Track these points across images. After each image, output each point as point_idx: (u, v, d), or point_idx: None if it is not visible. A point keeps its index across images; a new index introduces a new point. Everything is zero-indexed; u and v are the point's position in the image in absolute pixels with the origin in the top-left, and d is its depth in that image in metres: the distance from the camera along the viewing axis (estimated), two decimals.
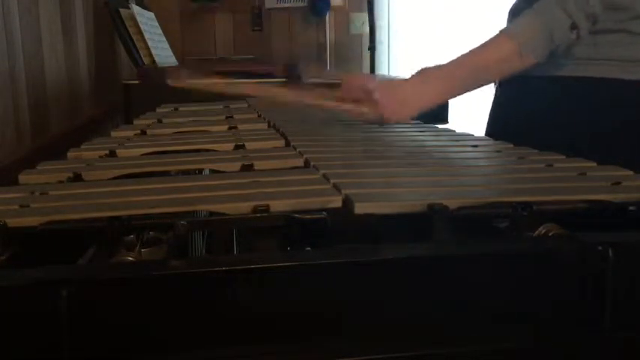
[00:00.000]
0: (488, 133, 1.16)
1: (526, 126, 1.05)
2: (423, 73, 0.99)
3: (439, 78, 0.99)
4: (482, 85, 1.00)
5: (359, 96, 0.99)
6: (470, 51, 0.98)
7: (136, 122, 1.13)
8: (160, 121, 1.12)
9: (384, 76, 1.16)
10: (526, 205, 0.52)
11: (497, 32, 0.97)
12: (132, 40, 2.01)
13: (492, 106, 1.20)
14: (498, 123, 1.17)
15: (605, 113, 1.00)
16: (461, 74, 0.99)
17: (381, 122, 0.99)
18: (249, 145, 0.82)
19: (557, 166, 0.70)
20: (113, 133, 0.98)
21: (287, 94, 1.10)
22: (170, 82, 1.18)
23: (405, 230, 0.54)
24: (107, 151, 0.80)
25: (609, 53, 0.99)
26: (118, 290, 0.40)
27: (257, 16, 3.06)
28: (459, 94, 1.02)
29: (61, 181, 0.66)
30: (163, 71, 1.94)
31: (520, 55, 0.94)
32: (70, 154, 0.81)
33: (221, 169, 0.69)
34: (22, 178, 0.67)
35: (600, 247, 0.44)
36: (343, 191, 0.55)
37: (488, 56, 0.98)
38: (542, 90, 1.05)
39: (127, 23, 2.03)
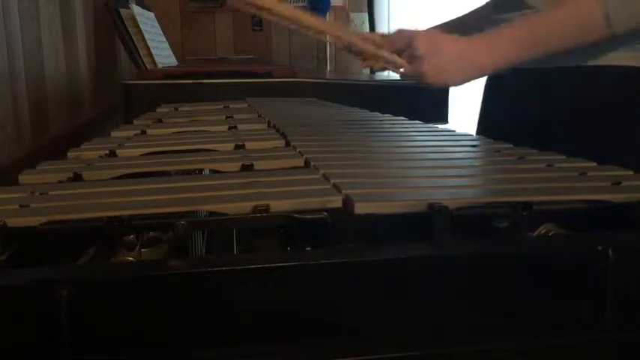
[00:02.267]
0: (479, 131, 1.13)
1: (514, 122, 0.99)
2: (488, 33, 0.86)
3: (508, 39, 0.85)
4: (557, 52, 0.86)
5: (400, 47, 0.86)
6: (550, 10, 0.85)
7: (136, 122, 1.13)
8: (159, 121, 1.12)
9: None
10: (526, 205, 0.52)
11: None
12: (132, 40, 2.01)
13: (482, 103, 1.17)
14: (487, 120, 1.15)
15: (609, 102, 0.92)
16: (531, 38, 0.84)
17: (422, 83, 0.86)
18: (249, 145, 0.82)
19: (557, 166, 0.70)
20: (113, 133, 0.98)
21: (327, 28, 0.95)
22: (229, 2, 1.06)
23: (405, 230, 0.54)
24: (107, 151, 0.80)
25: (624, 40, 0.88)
26: (118, 290, 0.40)
27: (257, 16, 3.06)
28: (525, 59, 0.87)
29: (61, 181, 0.66)
30: None
31: (606, 20, 0.81)
32: (70, 154, 0.81)
33: (221, 169, 0.69)
34: (22, 178, 0.67)
35: (600, 247, 0.44)
36: (343, 191, 0.55)
37: (565, 19, 0.84)
38: (529, 82, 0.99)
39: (127, 23, 2.03)
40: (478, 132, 1.15)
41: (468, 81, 0.85)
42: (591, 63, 0.93)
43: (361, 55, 0.91)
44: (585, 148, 0.73)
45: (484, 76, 0.87)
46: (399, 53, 0.86)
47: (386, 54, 0.86)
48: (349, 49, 0.92)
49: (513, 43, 0.85)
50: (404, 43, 0.85)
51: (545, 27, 0.85)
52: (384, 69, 0.95)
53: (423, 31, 0.88)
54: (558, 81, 0.96)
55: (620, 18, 0.82)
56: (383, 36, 0.95)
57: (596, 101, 0.94)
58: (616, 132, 0.93)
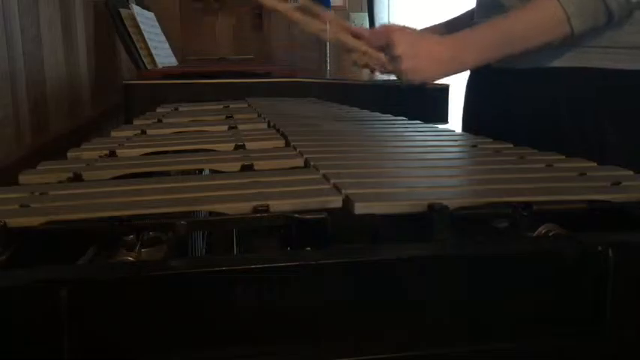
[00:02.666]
0: (464, 128, 1.15)
1: (497, 119, 1.02)
2: (459, 34, 0.91)
3: (477, 40, 0.91)
4: (522, 51, 0.91)
5: (381, 43, 0.90)
6: (514, 12, 0.90)
7: (136, 122, 1.13)
8: (159, 121, 1.12)
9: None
10: (526, 205, 0.52)
11: None
12: (132, 40, 2.01)
13: (464, 101, 1.18)
14: (471, 117, 1.16)
15: (587, 104, 0.95)
16: (494, 39, 0.90)
17: (402, 80, 0.90)
18: (249, 145, 0.82)
19: (557, 166, 0.70)
20: (113, 133, 0.98)
21: (310, 23, 0.98)
22: None
23: (405, 230, 0.54)
24: (107, 151, 0.80)
25: (592, 40, 0.93)
26: (118, 290, 0.40)
27: (257, 16, 3.06)
28: (495, 59, 0.93)
29: (61, 181, 0.66)
30: None
31: (567, 22, 0.86)
32: (70, 154, 0.81)
33: (221, 169, 0.69)
34: (22, 178, 0.67)
35: (600, 247, 0.44)
36: (343, 191, 0.55)
37: (529, 20, 0.89)
38: (510, 82, 1.01)
39: (127, 23, 2.03)
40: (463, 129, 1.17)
41: (441, 78, 0.91)
42: (562, 64, 0.96)
43: (345, 48, 0.95)
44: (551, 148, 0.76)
45: (456, 73, 0.91)
46: (381, 50, 0.90)
47: (369, 49, 0.91)
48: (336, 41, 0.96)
49: (479, 44, 0.90)
50: (384, 40, 0.89)
51: (509, 28, 0.90)
52: (366, 66, 0.99)
53: (401, 29, 0.91)
54: (520, 82, 1.00)
55: (579, 18, 0.86)
56: (367, 31, 0.98)
57: (559, 102, 0.98)
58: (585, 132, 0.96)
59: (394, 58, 0.88)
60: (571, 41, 0.90)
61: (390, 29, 0.90)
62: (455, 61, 0.90)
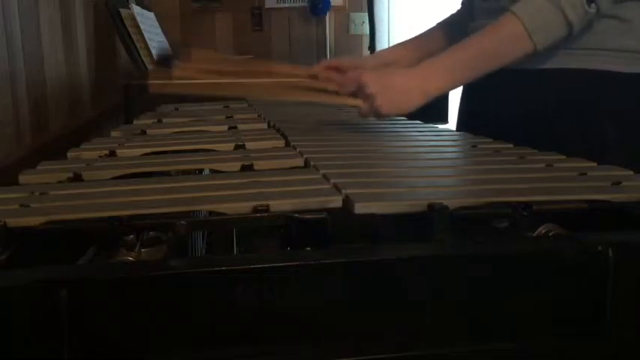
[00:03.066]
0: (458, 128, 1.16)
1: (493, 119, 1.03)
2: (424, 63, 0.94)
3: (440, 67, 0.94)
4: (488, 71, 0.94)
5: (352, 89, 0.94)
6: (475, 34, 0.94)
7: (136, 122, 1.13)
8: (159, 121, 1.12)
9: (375, 59, 1.17)
10: (526, 205, 0.52)
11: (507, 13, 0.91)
12: (132, 40, 2.01)
13: (460, 101, 1.20)
14: (466, 117, 1.17)
15: (589, 107, 0.96)
16: (464, 61, 0.93)
17: (379, 117, 0.94)
18: (249, 145, 0.82)
19: (557, 166, 0.70)
20: (113, 133, 0.98)
21: (280, 92, 1.07)
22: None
23: (405, 230, 0.54)
24: (107, 151, 0.80)
25: (594, 42, 0.94)
26: (118, 290, 0.40)
27: (257, 16, 3.06)
28: (463, 82, 0.97)
29: (61, 181, 0.66)
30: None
31: (529, 39, 0.89)
32: (70, 154, 0.81)
33: (221, 169, 0.69)
34: (22, 178, 0.67)
35: (600, 247, 0.44)
36: (343, 191, 0.55)
37: (494, 39, 0.92)
38: (511, 83, 1.01)
39: (127, 23, 2.03)
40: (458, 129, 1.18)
41: (417, 107, 0.93)
42: (544, 66, 0.97)
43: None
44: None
45: (429, 100, 0.93)
46: (353, 94, 0.95)
47: (346, 99, 0.96)
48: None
49: (447, 70, 0.94)
50: (355, 84, 0.93)
51: (474, 50, 0.94)
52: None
53: (369, 71, 0.97)
54: (514, 82, 1.00)
55: (539, 33, 0.89)
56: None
57: (549, 103, 0.98)
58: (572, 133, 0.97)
59: (367, 97, 0.91)
60: (532, 57, 0.93)
61: (359, 73, 0.95)
62: (425, 89, 0.93)
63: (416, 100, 0.92)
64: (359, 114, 0.94)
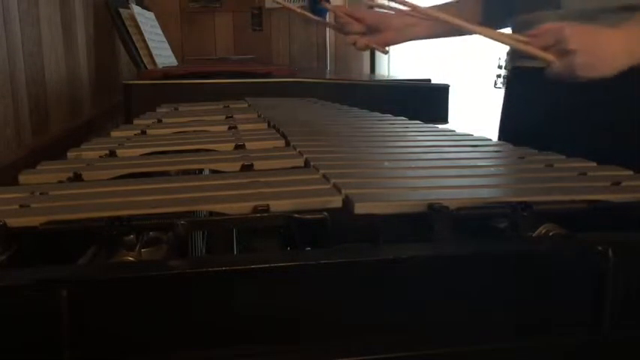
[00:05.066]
0: (501, 137, 1.13)
1: (539, 124, 1.00)
2: (628, 24, 0.87)
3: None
4: None
5: (548, 42, 0.85)
6: None
7: (136, 122, 1.13)
8: (159, 121, 1.12)
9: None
10: (526, 205, 0.52)
11: None
12: (132, 40, 2.01)
13: (503, 108, 1.17)
14: (510, 123, 1.14)
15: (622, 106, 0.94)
16: None
17: (573, 77, 0.85)
18: (249, 145, 0.82)
19: (557, 166, 0.70)
20: (113, 133, 0.98)
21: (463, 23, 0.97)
22: None
23: (405, 230, 0.54)
24: (107, 151, 0.80)
25: None
26: (118, 290, 0.40)
27: (257, 16, 3.06)
28: None
29: (61, 181, 0.66)
30: None
31: None
32: (70, 154, 0.81)
33: (221, 169, 0.69)
34: (22, 178, 0.67)
35: (600, 247, 0.44)
36: (343, 191, 0.55)
37: None
38: (554, 85, 1.01)
39: (127, 23, 2.03)
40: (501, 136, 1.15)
41: (618, 71, 0.86)
42: None
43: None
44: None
45: (633, 64, 0.86)
46: (546, 49, 0.86)
47: (536, 50, 0.86)
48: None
49: None
50: (552, 38, 0.85)
51: None
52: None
53: (570, 24, 0.87)
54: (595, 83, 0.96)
55: None
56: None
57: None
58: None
59: (566, 53, 0.83)
60: None
61: (560, 25, 0.86)
62: (630, 51, 0.86)
63: (620, 63, 0.86)
64: (548, 72, 0.86)
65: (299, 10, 1.20)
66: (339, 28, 1.15)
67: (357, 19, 1.12)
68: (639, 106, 0.96)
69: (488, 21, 1.10)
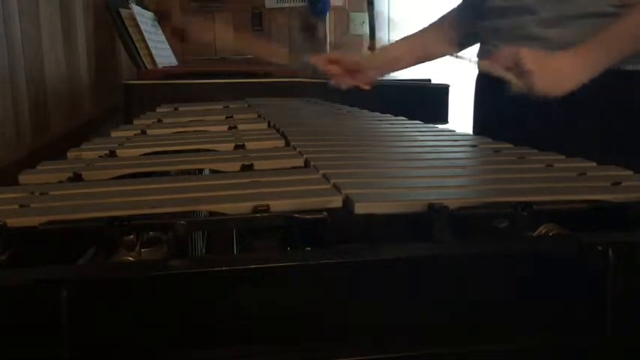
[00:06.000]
0: (475, 131, 1.17)
1: (505, 120, 1.05)
2: (578, 48, 0.96)
3: (594, 52, 0.96)
4: (632, 54, 0.97)
5: (508, 64, 0.94)
6: (622, 20, 0.96)
7: (136, 122, 1.13)
8: (160, 121, 1.12)
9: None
10: (526, 205, 0.52)
11: None
12: (132, 40, 2.01)
13: (474, 103, 1.23)
14: (480, 119, 1.20)
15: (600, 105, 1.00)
16: (615, 46, 0.96)
17: (532, 94, 0.93)
18: (249, 145, 0.82)
19: (557, 166, 0.70)
20: (113, 133, 0.98)
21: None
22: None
23: (405, 230, 0.54)
24: (107, 151, 0.80)
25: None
26: (118, 290, 0.40)
27: (257, 16, 3.06)
28: (609, 65, 0.98)
29: (61, 181, 0.66)
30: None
31: None
32: (70, 154, 0.81)
33: (221, 169, 0.69)
34: (22, 178, 0.67)
35: (600, 247, 0.44)
36: (343, 191, 0.55)
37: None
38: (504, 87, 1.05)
39: (127, 23, 2.03)
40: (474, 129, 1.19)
41: (567, 91, 0.95)
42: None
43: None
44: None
45: (579, 85, 0.95)
46: (508, 69, 0.95)
47: (500, 70, 0.95)
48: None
49: (603, 53, 0.96)
50: (511, 59, 0.93)
51: (626, 37, 0.96)
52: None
53: (526, 48, 0.96)
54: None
55: None
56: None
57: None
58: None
59: (523, 74, 0.92)
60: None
61: (518, 48, 0.95)
62: (579, 73, 0.94)
63: (573, 82, 0.94)
64: (512, 89, 0.94)
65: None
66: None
67: (336, 63, 1.19)
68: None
69: (460, 44, 1.20)
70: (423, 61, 1.31)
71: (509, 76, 0.93)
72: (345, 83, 1.19)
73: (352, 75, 1.18)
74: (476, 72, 1.21)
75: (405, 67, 1.34)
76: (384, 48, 1.44)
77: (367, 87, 1.19)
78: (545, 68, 0.93)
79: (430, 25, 1.29)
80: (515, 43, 1.00)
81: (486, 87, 1.18)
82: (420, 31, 1.30)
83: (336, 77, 1.19)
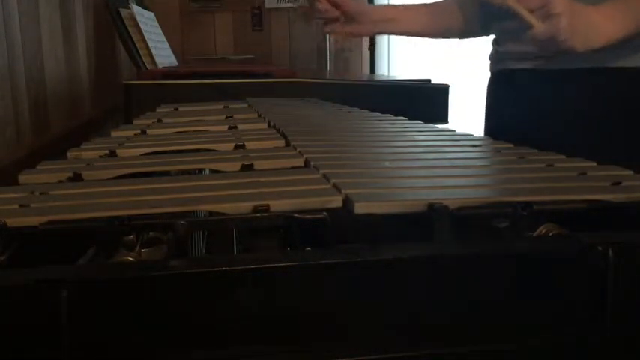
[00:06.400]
0: (487, 133, 1.15)
1: (521, 121, 1.02)
2: (609, 4, 0.88)
3: (619, 15, 0.87)
4: None
5: (535, 5, 0.84)
6: None
7: (136, 122, 1.13)
8: (160, 121, 1.12)
9: None
10: (526, 205, 0.52)
11: None
12: (132, 40, 2.01)
13: (486, 114, 1.18)
14: (493, 121, 1.16)
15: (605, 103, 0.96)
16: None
17: (555, 42, 0.83)
18: (249, 145, 0.82)
19: (557, 166, 0.70)
20: (113, 133, 0.98)
21: None
22: None
23: (405, 230, 0.54)
24: (107, 151, 0.80)
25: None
26: (118, 290, 0.40)
27: (257, 16, 3.06)
28: (633, 32, 0.89)
29: (61, 181, 0.66)
30: None
31: None
32: (70, 154, 0.81)
33: (221, 169, 0.69)
34: (22, 178, 0.67)
35: (600, 247, 0.44)
36: (343, 191, 0.55)
37: None
38: (534, 84, 1.02)
39: (127, 23, 2.03)
40: (486, 132, 1.16)
41: (592, 48, 0.85)
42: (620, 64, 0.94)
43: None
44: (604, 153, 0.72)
45: (604, 45, 0.86)
46: (532, 12, 0.85)
47: (523, 10, 0.85)
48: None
49: (629, 15, 0.87)
50: (538, 1, 0.84)
51: None
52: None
53: None
54: (579, 81, 0.98)
55: None
56: None
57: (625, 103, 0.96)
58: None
59: (551, 17, 0.82)
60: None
61: None
62: (610, 30, 0.86)
63: (603, 34, 0.85)
64: (532, 34, 0.84)
65: None
66: (315, 14, 1.14)
67: (336, 6, 1.11)
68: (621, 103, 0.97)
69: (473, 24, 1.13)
70: (425, 34, 1.22)
71: (532, 19, 0.83)
72: (339, 31, 1.13)
73: (347, 23, 1.12)
74: (488, 76, 1.17)
75: (403, 33, 1.24)
76: (386, 6, 1.32)
77: (346, 38, 1.17)
78: (577, 16, 0.83)
79: (442, 1, 1.20)
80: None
81: (501, 92, 1.14)
82: (432, 3, 1.21)
83: (331, 20, 1.12)
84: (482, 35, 1.19)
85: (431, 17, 1.19)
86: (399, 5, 1.32)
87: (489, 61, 1.17)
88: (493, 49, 1.16)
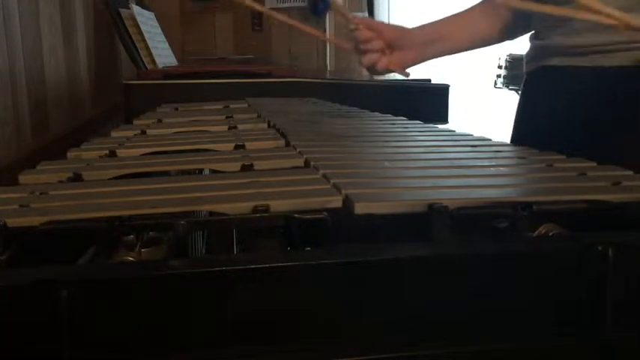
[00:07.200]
0: (515, 139, 1.05)
1: (554, 126, 0.95)
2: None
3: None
4: None
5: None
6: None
7: (136, 122, 1.13)
8: (160, 121, 1.12)
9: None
10: (526, 205, 0.52)
11: None
12: (132, 40, 2.01)
13: (519, 112, 1.09)
14: (524, 127, 1.07)
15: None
16: None
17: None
18: (249, 145, 0.82)
19: (557, 166, 0.70)
20: (113, 133, 0.98)
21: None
22: None
23: (405, 230, 0.54)
24: (107, 151, 0.80)
25: None
26: (118, 290, 0.40)
27: (257, 16, 3.06)
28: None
29: (61, 181, 0.66)
30: None
31: None
32: (70, 154, 0.81)
33: (221, 169, 0.69)
34: (22, 178, 0.67)
35: (600, 247, 0.44)
36: (343, 191, 0.55)
37: None
38: (568, 85, 0.95)
39: (127, 23, 2.03)
40: (514, 137, 1.08)
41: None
42: None
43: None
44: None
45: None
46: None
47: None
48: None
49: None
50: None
51: None
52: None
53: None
54: (618, 81, 0.91)
55: None
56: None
57: None
58: None
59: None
60: None
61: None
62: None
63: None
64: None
65: (301, 26, 1.08)
66: (355, 46, 0.98)
67: (377, 33, 0.98)
68: None
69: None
70: (473, 45, 1.08)
71: (612, 11, 0.71)
72: (384, 64, 0.98)
73: (390, 52, 0.98)
74: (504, 76, 1.10)
75: (449, 52, 1.09)
76: (422, 26, 1.11)
77: (406, 73, 1.01)
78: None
79: (474, 6, 1.08)
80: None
81: (539, 93, 1.04)
82: (464, 11, 1.08)
83: (372, 52, 0.98)
84: (526, 32, 1.08)
85: (478, 22, 1.06)
86: (437, 21, 1.10)
87: (524, 61, 1.06)
88: (531, 46, 1.04)
